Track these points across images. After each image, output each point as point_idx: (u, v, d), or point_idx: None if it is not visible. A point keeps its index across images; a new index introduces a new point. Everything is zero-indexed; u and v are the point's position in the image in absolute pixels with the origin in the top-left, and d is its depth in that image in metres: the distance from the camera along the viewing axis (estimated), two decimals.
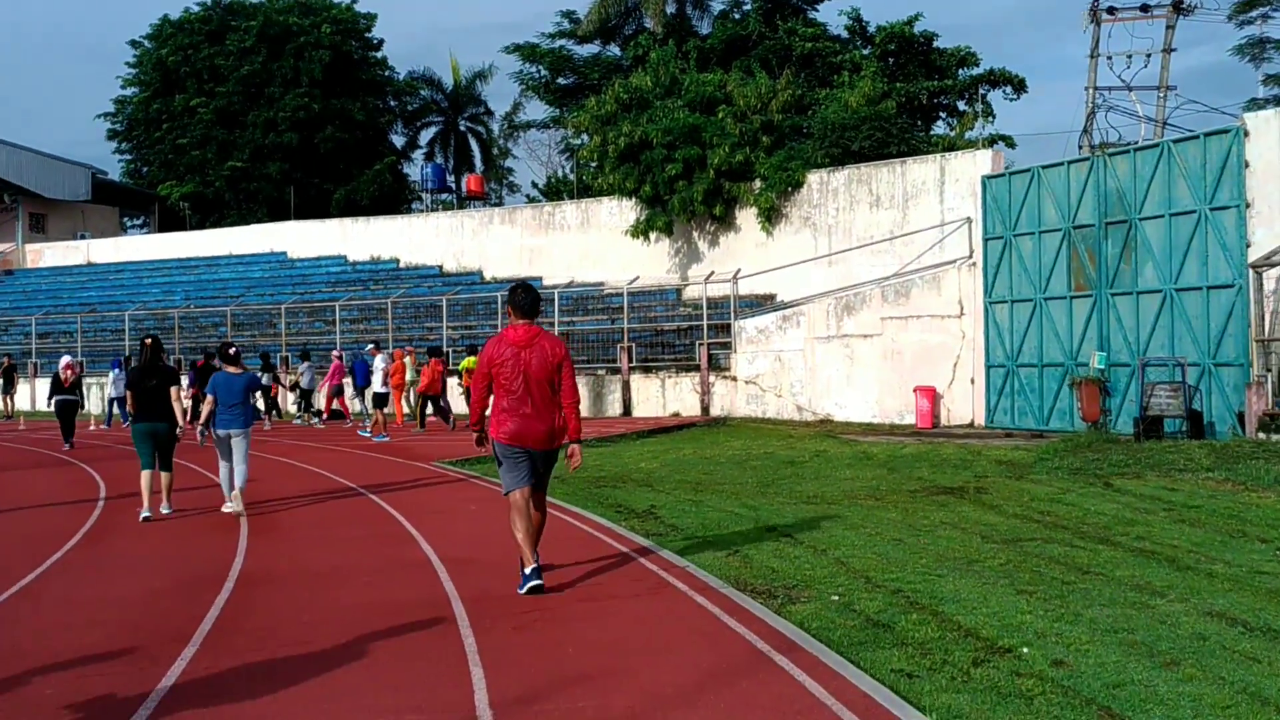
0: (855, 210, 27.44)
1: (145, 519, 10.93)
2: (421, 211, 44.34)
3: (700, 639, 6.01)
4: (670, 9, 42.50)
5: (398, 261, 38.45)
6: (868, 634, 6.07)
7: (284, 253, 41.74)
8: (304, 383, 26.05)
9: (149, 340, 11.49)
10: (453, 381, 24.99)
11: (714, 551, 8.49)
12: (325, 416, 25.97)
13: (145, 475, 11.24)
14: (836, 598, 6.87)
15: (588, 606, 6.77)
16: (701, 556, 8.28)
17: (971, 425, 21.82)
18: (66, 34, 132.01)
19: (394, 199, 52.61)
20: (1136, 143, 21.97)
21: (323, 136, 50.67)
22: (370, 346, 24.02)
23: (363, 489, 12.93)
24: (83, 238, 49.56)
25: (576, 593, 7.15)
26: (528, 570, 7.20)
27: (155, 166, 53.72)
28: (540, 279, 33.77)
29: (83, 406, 22.23)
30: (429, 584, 7.51)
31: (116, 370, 25.63)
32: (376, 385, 21.89)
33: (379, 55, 55.86)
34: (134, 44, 53.37)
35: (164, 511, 11.19)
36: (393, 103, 57.42)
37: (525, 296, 7.48)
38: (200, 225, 49.82)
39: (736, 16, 40.51)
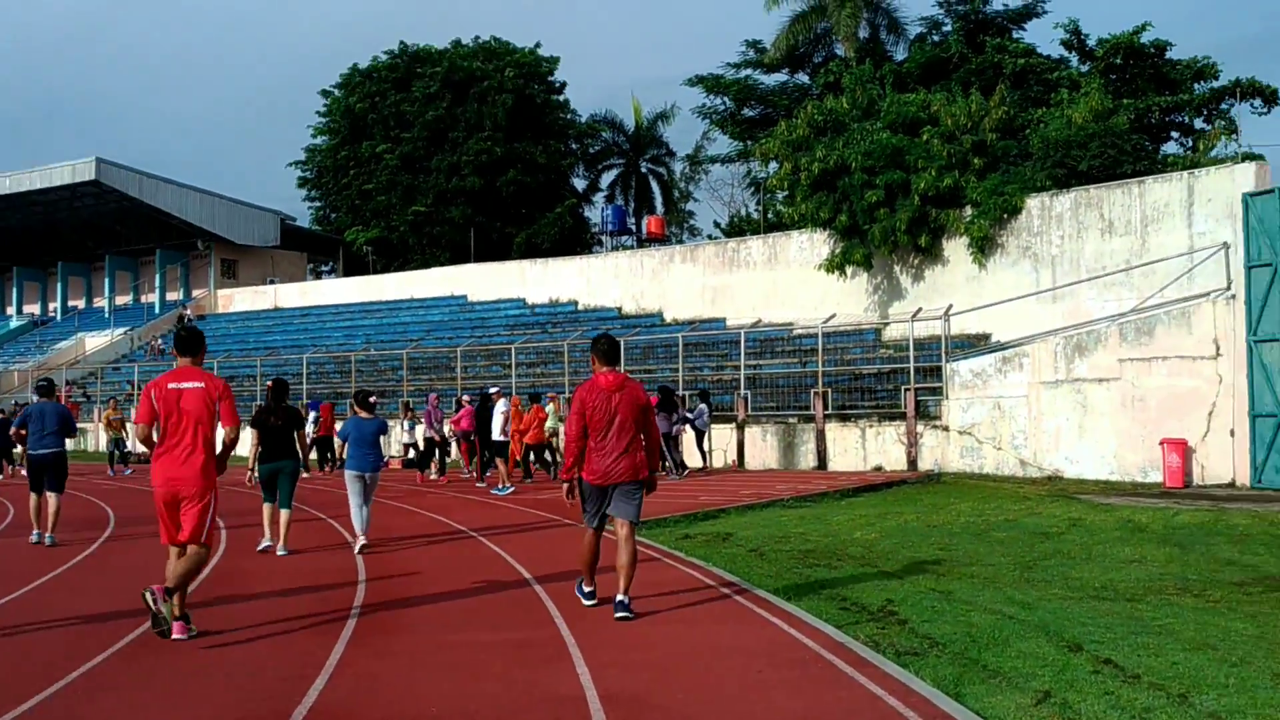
0: (1083, 238, 24.22)
1: (263, 549, 11.61)
2: (601, 254, 42.94)
3: None
4: (863, 34, 40.03)
5: (576, 304, 37.07)
6: None
7: (464, 296, 41.02)
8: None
9: (270, 384, 11.71)
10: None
11: (1012, 694, 5.66)
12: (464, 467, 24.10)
13: (266, 508, 11.80)
14: None
15: None
16: (994, 702, 5.52)
17: (1233, 485, 18.49)
18: (264, 89, 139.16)
19: (574, 242, 51.65)
20: None
21: (505, 180, 50.17)
22: (494, 390, 21.36)
23: (509, 558, 10.81)
24: (271, 283, 50.39)
25: None
26: (586, 589, 8.09)
27: (342, 212, 54.53)
28: (724, 320, 31.55)
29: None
30: None
31: (315, 412, 25.12)
32: (495, 433, 19.74)
33: (561, 99, 55.31)
34: (324, 93, 54.47)
35: (279, 553, 11.36)
36: (574, 146, 56.73)
37: (608, 345, 8.03)
38: (384, 269, 49.99)
39: (935, 39, 37.65)
